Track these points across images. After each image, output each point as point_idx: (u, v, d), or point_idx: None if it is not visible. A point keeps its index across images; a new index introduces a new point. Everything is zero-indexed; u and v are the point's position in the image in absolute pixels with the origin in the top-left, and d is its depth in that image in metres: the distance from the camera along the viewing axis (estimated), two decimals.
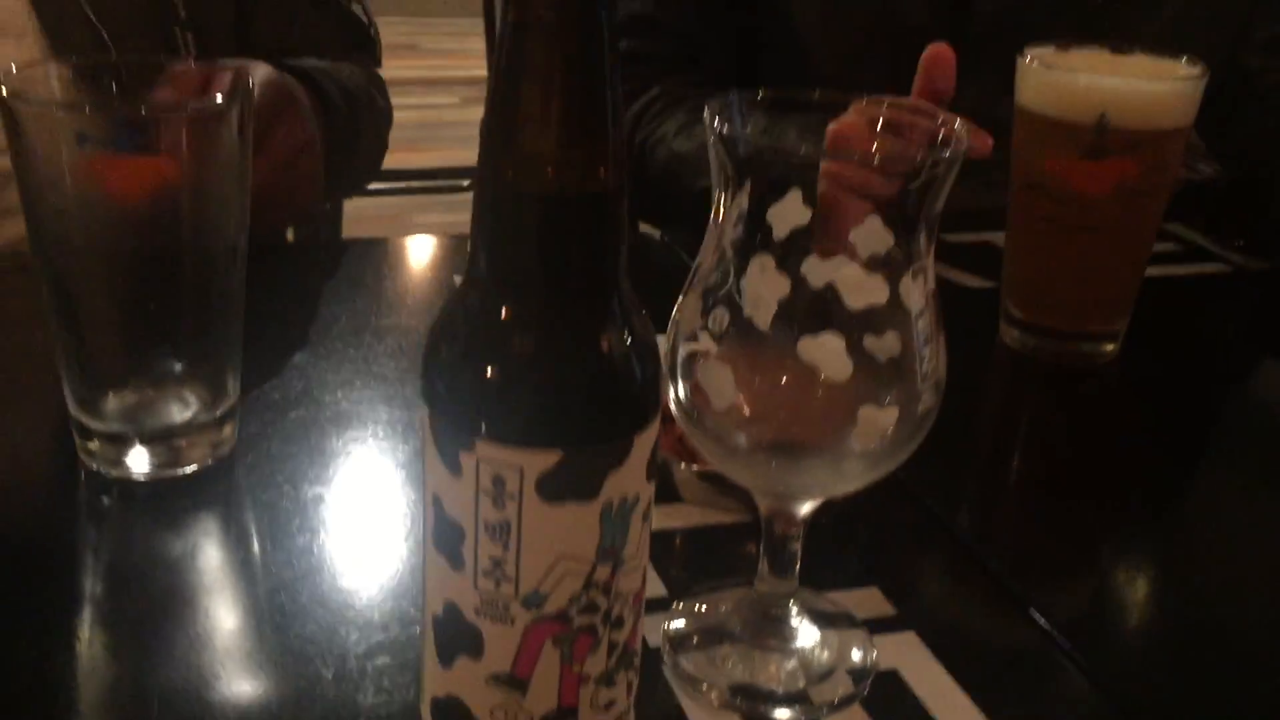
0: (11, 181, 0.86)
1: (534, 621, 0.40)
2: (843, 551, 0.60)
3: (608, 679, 0.42)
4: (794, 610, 0.53)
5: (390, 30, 1.39)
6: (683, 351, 0.48)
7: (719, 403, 0.47)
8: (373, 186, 1.18)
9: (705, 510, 0.62)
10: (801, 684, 0.51)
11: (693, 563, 0.59)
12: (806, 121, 0.53)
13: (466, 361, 0.38)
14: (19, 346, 0.77)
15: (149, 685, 0.49)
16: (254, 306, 0.65)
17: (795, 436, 0.48)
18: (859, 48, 1.09)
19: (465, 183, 3.17)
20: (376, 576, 0.56)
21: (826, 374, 0.45)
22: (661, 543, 0.59)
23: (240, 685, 0.50)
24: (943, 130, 0.47)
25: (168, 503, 0.61)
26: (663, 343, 0.47)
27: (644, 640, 0.44)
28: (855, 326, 0.45)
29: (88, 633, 0.53)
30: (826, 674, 0.51)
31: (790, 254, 0.46)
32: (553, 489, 0.38)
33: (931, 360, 0.47)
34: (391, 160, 1.11)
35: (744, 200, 0.47)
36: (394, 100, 1.10)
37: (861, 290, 0.44)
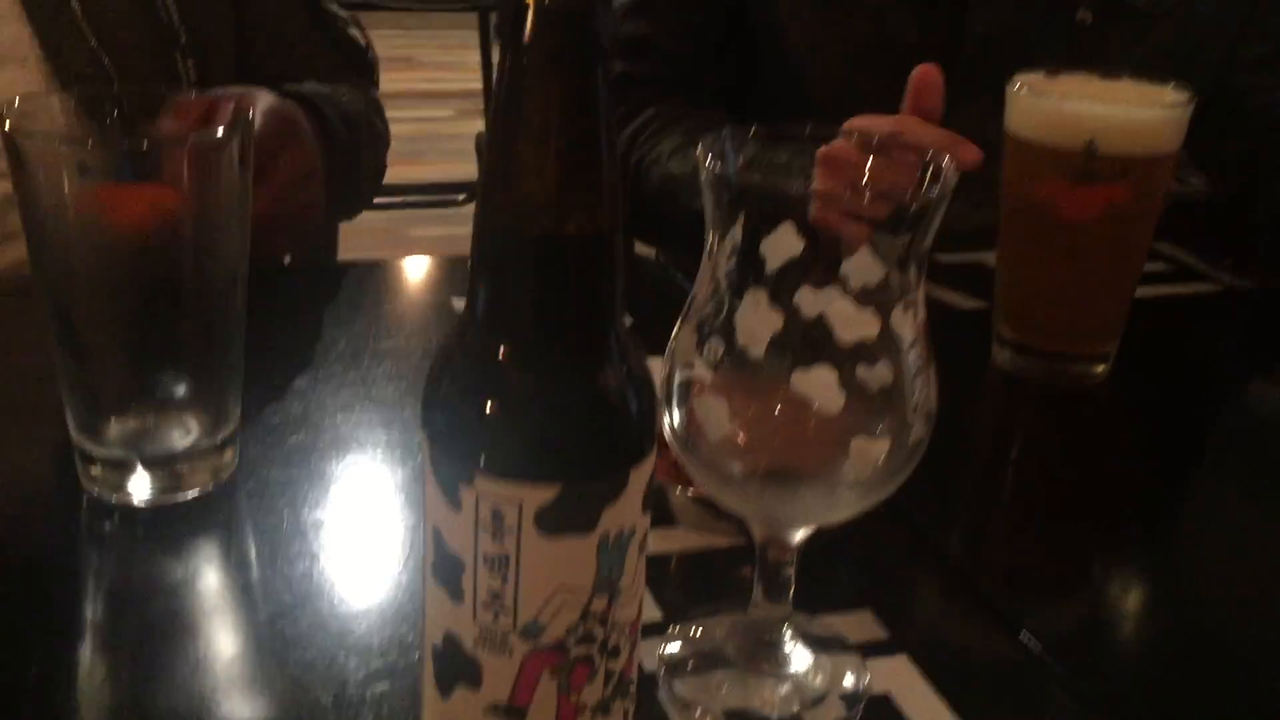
0: (13, 206, 0.87)
1: (532, 652, 0.40)
2: (835, 574, 0.60)
3: (604, 708, 0.42)
4: (788, 635, 0.54)
5: (386, 43, 1.40)
6: (678, 381, 0.49)
7: (714, 433, 0.48)
8: None
9: (700, 534, 0.63)
10: (795, 709, 0.51)
11: (688, 586, 0.60)
12: (798, 146, 0.54)
13: (466, 398, 0.39)
14: (21, 371, 0.78)
15: (150, 710, 0.50)
16: (253, 330, 0.65)
17: (789, 466, 0.49)
18: (852, 68, 1.10)
19: (461, 197, 3.19)
20: (376, 602, 0.57)
21: (819, 407, 0.45)
22: (657, 566, 0.59)
23: (240, 711, 0.50)
24: (931, 166, 0.48)
25: (169, 528, 0.62)
26: (659, 370, 0.48)
27: (640, 665, 0.45)
28: (847, 358, 0.46)
29: (89, 658, 0.54)
30: (820, 699, 0.52)
31: (783, 285, 0.46)
32: (551, 522, 0.39)
33: (923, 391, 0.47)
34: (387, 173, 1.12)
35: (737, 233, 0.48)
36: (389, 113, 1.11)
37: (853, 324, 0.45)
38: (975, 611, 0.61)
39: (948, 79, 0.82)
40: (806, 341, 0.46)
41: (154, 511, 0.63)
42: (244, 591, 0.59)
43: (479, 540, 0.39)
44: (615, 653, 0.42)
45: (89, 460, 0.63)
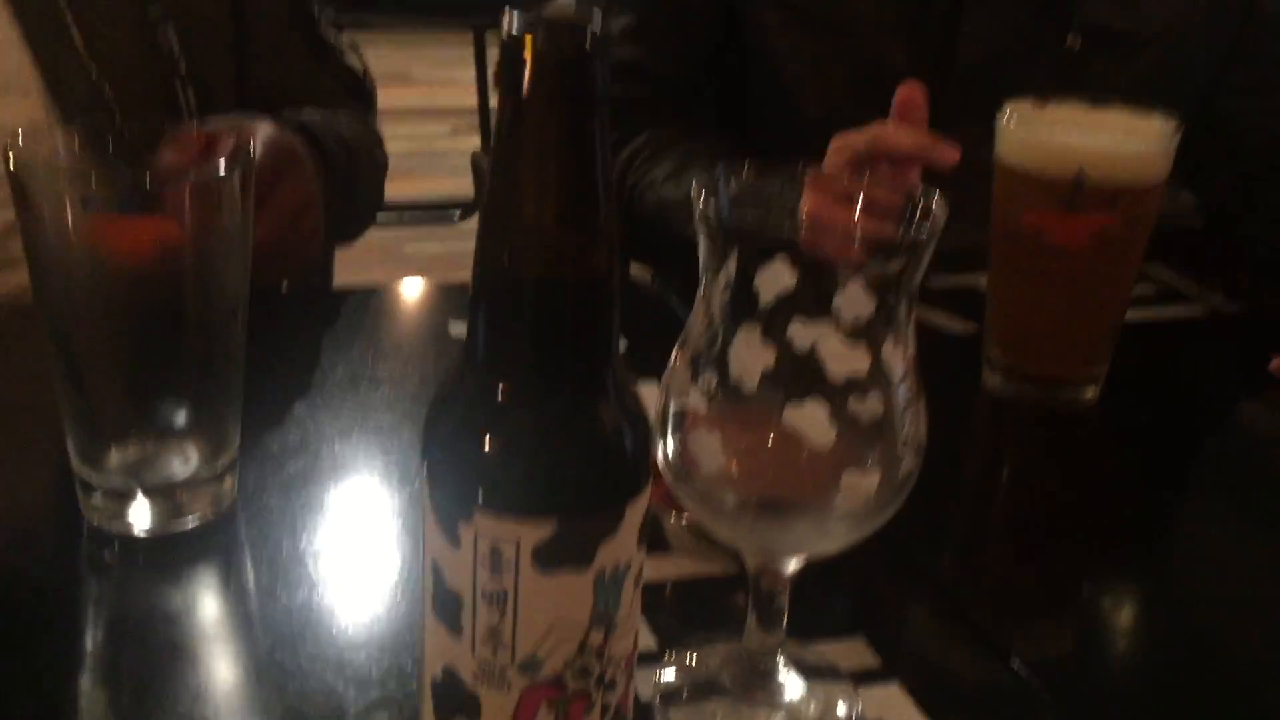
0: (13, 233, 0.88)
1: (530, 686, 0.41)
2: (828, 601, 0.61)
3: None
4: (781, 663, 0.54)
5: (381, 60, 1.41)
6: (673, 412, 0.50)
7: (707, 466, 0.48)
8: None
9: (695, 561, 0.63)
10: None
11: (682, 613, 0.61)
12: (789, 176, 0.55)
13: (465, 437, 0.40)
14: (22, 398, 0.78)
15: None
16: (250, 356, 0.66)
17: (781, 498, 0.49)
18: (843, 94, 1.11)
19: (457, 213, 3.20)
20: (375, 633, 0.57)
21: (810, 441, 0.46)
22: (652, 594, 0.60)
23: None
24: (920, 205, 0.49)
25: (169, 557, 0.63)
26: (652, 395, 0.49)
27: (636, 695, 0.46)
28: (839, 391, 0.47)
29: (89, 687, 0.54)
30: None
31: (776, 319, 0.47)
32: (548, 558, 0.40)
33: (912, 425, 0.48)
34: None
35: (731, 268, 0.48)
36: (385, 129, 1.12)
37: (844, 360, 0.46)
38: (966, 638, 0.61)
39: (938, 104, 0.83)
40: (798, 376, 0.47)
41: (154, 540, 0.64)
42: (244, 621, 0.59)
43: (478, 576, 0.40)
44: (612, 686, 0.43)
45: (89, 489, 0.64)
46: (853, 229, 0.55)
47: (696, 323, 0.50)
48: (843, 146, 0.84)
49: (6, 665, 0.54)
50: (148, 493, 0.64)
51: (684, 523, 0.64)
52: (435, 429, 0.41)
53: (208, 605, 0.61)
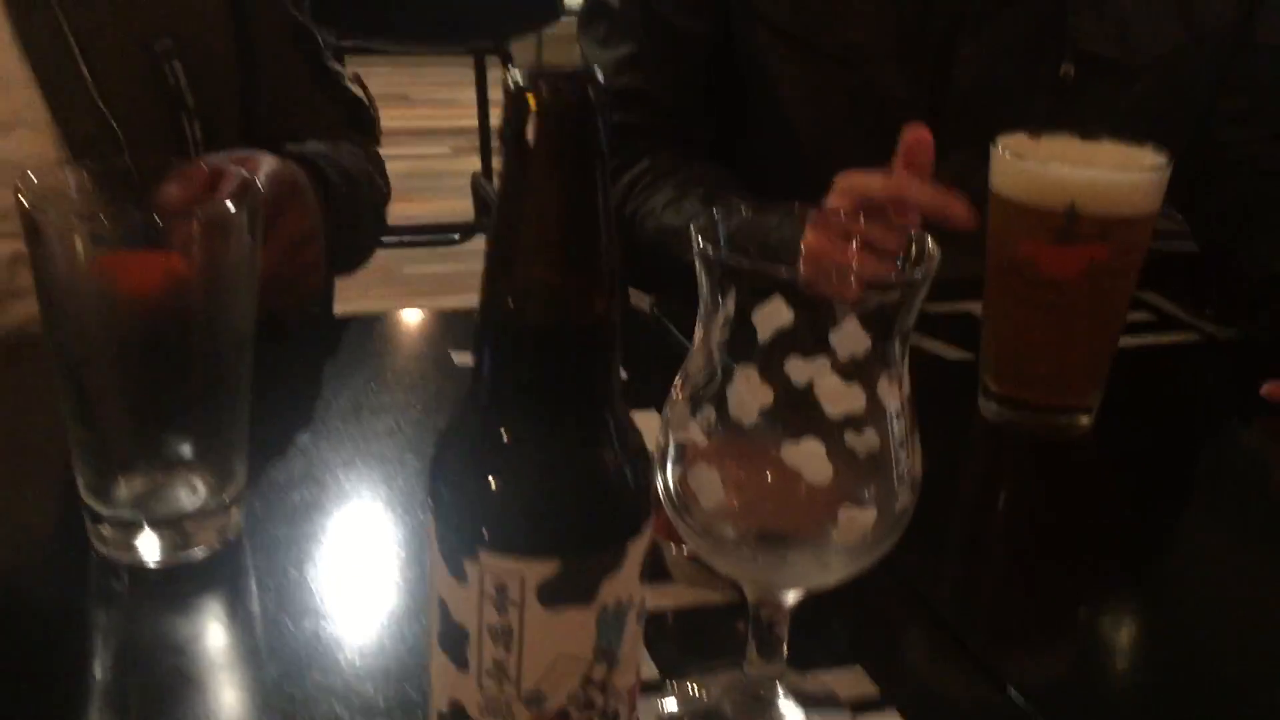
0: (20, 264, 0.89)
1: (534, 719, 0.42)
2: (827, 629, 0.62)
3: None
4: (781, 692, 0.55)
5: (381, 81, 1.42)
6: (673, 445, 0.51)
7: (707, 501, 0.49)
8: None
9: (696, 591, 0.64)
10: None
11: (684, 643, 0.62)
12: (787, 211, 0.56)
13: (471, 478, 0.41)
14: (30, 429, 0.79)
15: None
16: (253, 385, 0.67)
17: (780, 531, 0.50)
18: (840, 120, 1.13)
19: (456, 235, 3.21)
20: (382, 663, 0.58)
21: (808, 478, 0.47)
22: (653, 623, 0.61)
23: None
24: (914, 247, 0.50)
25: (176, 587, 0.63)
26: (649, 424, 0.50)
27: None
28: (835, 427, 0.48)
29: (98, 716, 0.55)
30: None
31: (774, 357, 0.49)
32: (553, 595, 0.41)
33: (908, 461, 0.49)
34: None
35: (729, 306, 0.50)
36: (385, 150, 1.13)
37: (840, 400, 0.47)
38: (964, 666, 0.62)
39: (934, 131, 0.85)
40: (796, 412, 0.48)
41: (162, 571, 0.65)
42: (251, 651, 0.60)
43: (483, 612, 0.41)
44: (615, 718, 0.44)
45: (98, 520, 0.65)
46: (850, 267, 0.56)
47: (696, 358, 0.51)
48: (853, 187, 0.85)
49: (16, 694, 0.55)
50: (156, 524, 0.65)
51: (685, 552, 0.65)
52: (441, 469, 0.42)
53: (215, 635, 0.62)
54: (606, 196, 0.39)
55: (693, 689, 0.57)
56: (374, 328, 1.01)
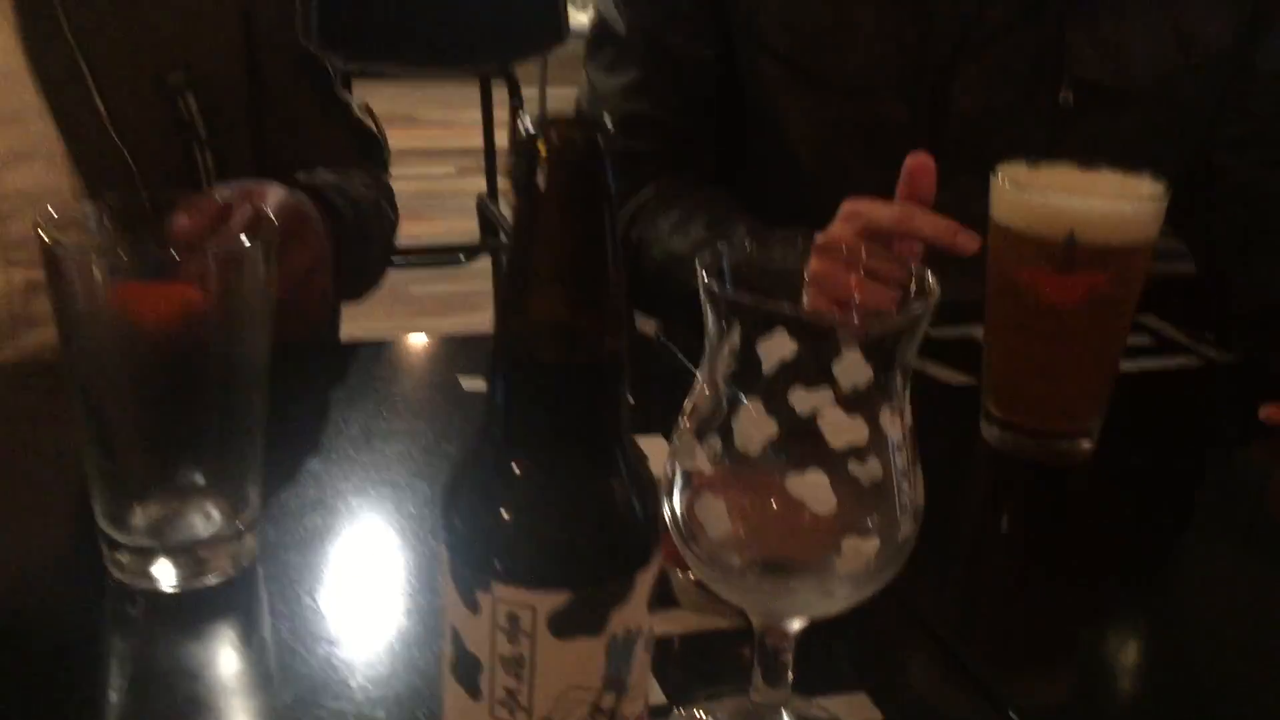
0: (35, 292, 0.91)
1: None
2: (831, 655, 0.63)
3: None
4: (786, 718, 0.56)
5: (387, 101, 1.43)
6: (680, 474, 0.52)
7: (713, 530, 0.50)
8: None
9: (702, 616, 0.65)
10: None
11: (690, 667, 0.62)
12: (791, 244, 0.57)
13: (484, 513, 0.42)
14: (47, 456, 0.80)
15: None
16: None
17: (784, 560, 0.51)
18: (841, 145, 1.14)
19: (461, 256, 3.23)
20: (393, 687, 0.59)
21: (812, 508, 0.49)
22: (660, 648, 0.61)
23: None
24: (915, 282, 0.51)
25: (191, 613, 0.65)
26: (654, 448, 0.51)
27: None
28: (839, 457, 0.49)
29: None
30: None
31: (778, 388, 0.50)
32: (563, 626, 0.42)
33: (910, 491, 0.50)
34: None
35: (735, 338, 0.51)
36: (391, 171, 1.14)
37: (843, 432, 0.48)
38: (967, 692, 0.63)
39: (935, 157, 0.86)
40: (800, 443, 0.49)
41: (177, 597, 0.66)
42: (264, 676, 0.61)
43: (496, 642, 0.42)
44: None
45: (115, 547, 0.66)
46: (852, 297, 0.57)
47: (702, 389, 0.52)
48: (858, 214, 0.86)
49: (32, 718, 0.56)
50: (171, 551, 0.66)
51: (691, 577, 0.66)
52: (455, 503, 0.43)
53: (229, 660, 0.63)
54: (615, 238, 0.40)
55: (699, 714, 0.58)
56: (382, 353, 1.02)
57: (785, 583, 0.52)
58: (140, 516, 0.66)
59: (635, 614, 0.43)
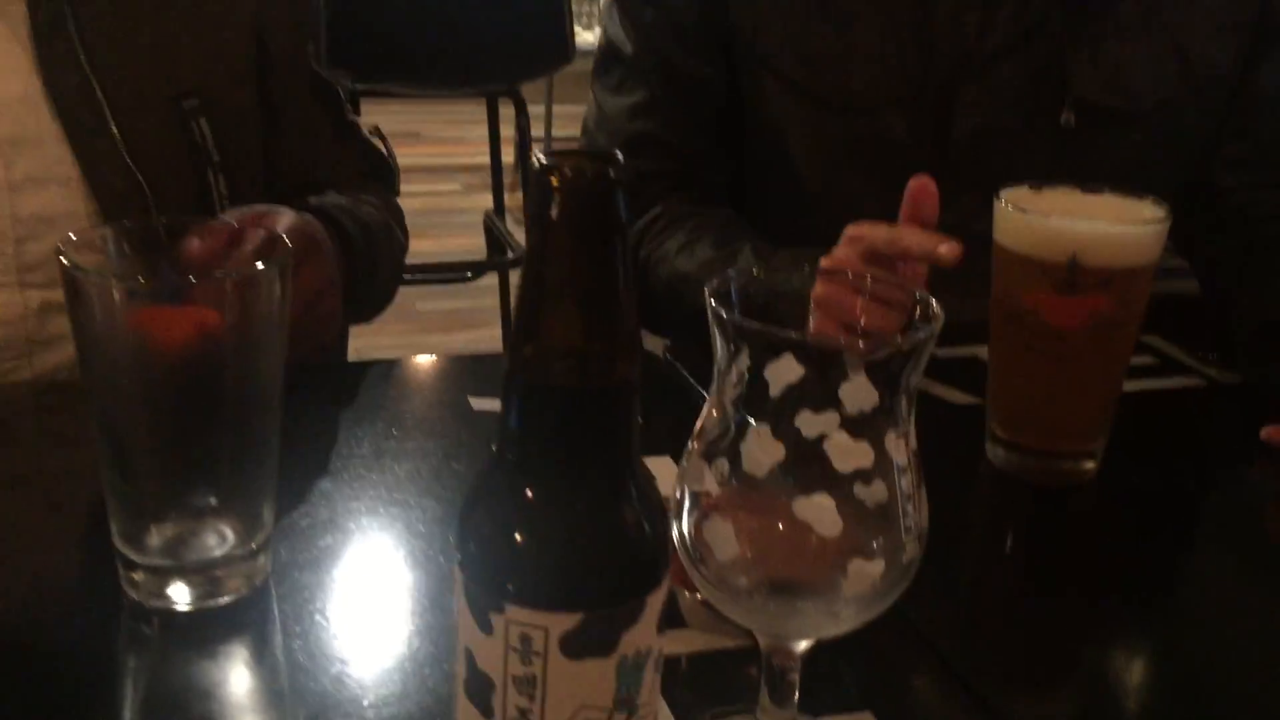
0: (50, 312, 0.92)
1: None
2: (836, 674, 0.64)
3: None
4: None
5: (393, 118, 1.44)
6: (689, 496, 0.53)
7: (721, 552, 0.51)
8: None
9: (709, 636, 0.66)
10: None
11: (698, 687, 0.63)
12: (799, 270, 0.58)
13: (498, 536, 0.43)
14: (62, 474, 0.81)
15: None
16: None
17: (791, 581, 0.52)
18: (844, 165, 1.15)
19: (469, 273, 3.24)
20: (406, 706, 0.60)
21: (818, 531, 0.49)
22: (668, 667, 0.62)
23: None
24: (919, 308, 0.52)
25: (206, 632, 0.65)
26: (661, 468, 0.51)
27: None
28: (845, 480, 0.50)
29: None
30: None
31: (785, 411, 0.51)
32: (574, 647, 0.43)
33: (915, 514, 0.51)
34: None
35: (743, 363, 0.52)
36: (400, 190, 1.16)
37: (849, 457, 0.49)
38: (972, 712, 0.64)
39: (937, 177, 0.87)
40: (807, 467, 0.50)
41: (192, 616, 0.67)
42: (278, 694, 0.62)
43: (508, 662, 0.43)
44: None
45: (131, 567, 0.67)
46: (858, 321, 0.58)
47: (711, 413, 0.53)
48: (861, 238, 0.87)
49: None
50: (186, 570, 0.67)
51: (699, 597, 0.66)
52: (469, 526, 0.44)
53: (243, 679, 0.63)
54: (626, 267, 0.41)
55: None
56: (392, 373, 1.03)
57: (792, 604, 0.52)
58: (156, 537, 0.67)
59: (645, 635, 0.44)
